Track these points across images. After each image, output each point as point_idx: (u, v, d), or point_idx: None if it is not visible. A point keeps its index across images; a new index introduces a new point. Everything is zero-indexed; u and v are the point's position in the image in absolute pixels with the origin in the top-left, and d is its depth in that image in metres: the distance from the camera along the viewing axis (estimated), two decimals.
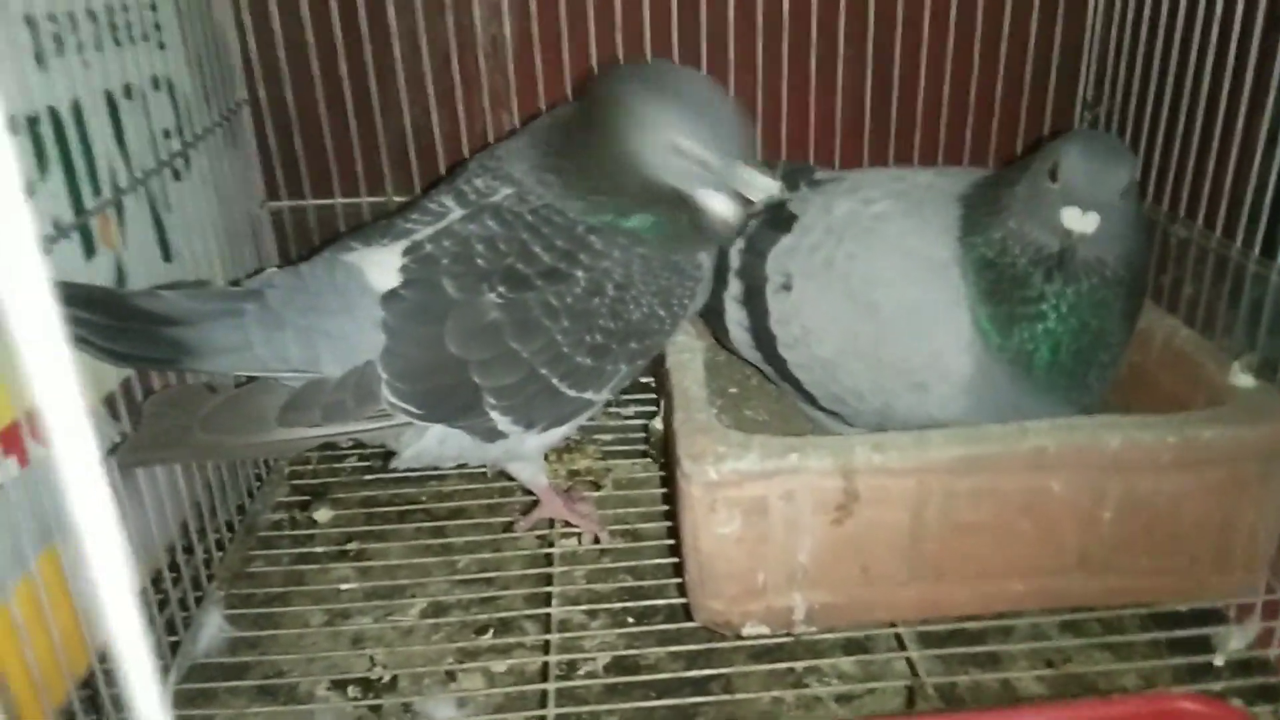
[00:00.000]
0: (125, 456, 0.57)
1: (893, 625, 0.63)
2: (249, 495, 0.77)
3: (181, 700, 0.59)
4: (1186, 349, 0.66)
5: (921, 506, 0.58)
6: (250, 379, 0.59)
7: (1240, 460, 0.57)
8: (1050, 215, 0.56)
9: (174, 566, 0.63)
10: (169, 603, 0.61)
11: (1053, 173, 0.56)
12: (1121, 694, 0.50)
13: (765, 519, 0.58)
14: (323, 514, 0.77)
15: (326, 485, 0.81)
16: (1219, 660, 0.58)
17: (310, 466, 0.84)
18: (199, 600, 0.64)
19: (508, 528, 0.76)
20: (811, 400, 0.71)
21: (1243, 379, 0.60)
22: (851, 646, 0.65)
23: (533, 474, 0.71)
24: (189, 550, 0.66)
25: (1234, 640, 0.59)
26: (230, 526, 0.73)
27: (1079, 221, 0.55)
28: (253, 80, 0.83)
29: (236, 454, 0.70)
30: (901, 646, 0.62)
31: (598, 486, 0.81)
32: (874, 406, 0.66)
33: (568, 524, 0.74)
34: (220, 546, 0.70)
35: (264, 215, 0.87)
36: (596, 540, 0.74)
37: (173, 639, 0.61)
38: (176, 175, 0.70)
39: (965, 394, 0.62)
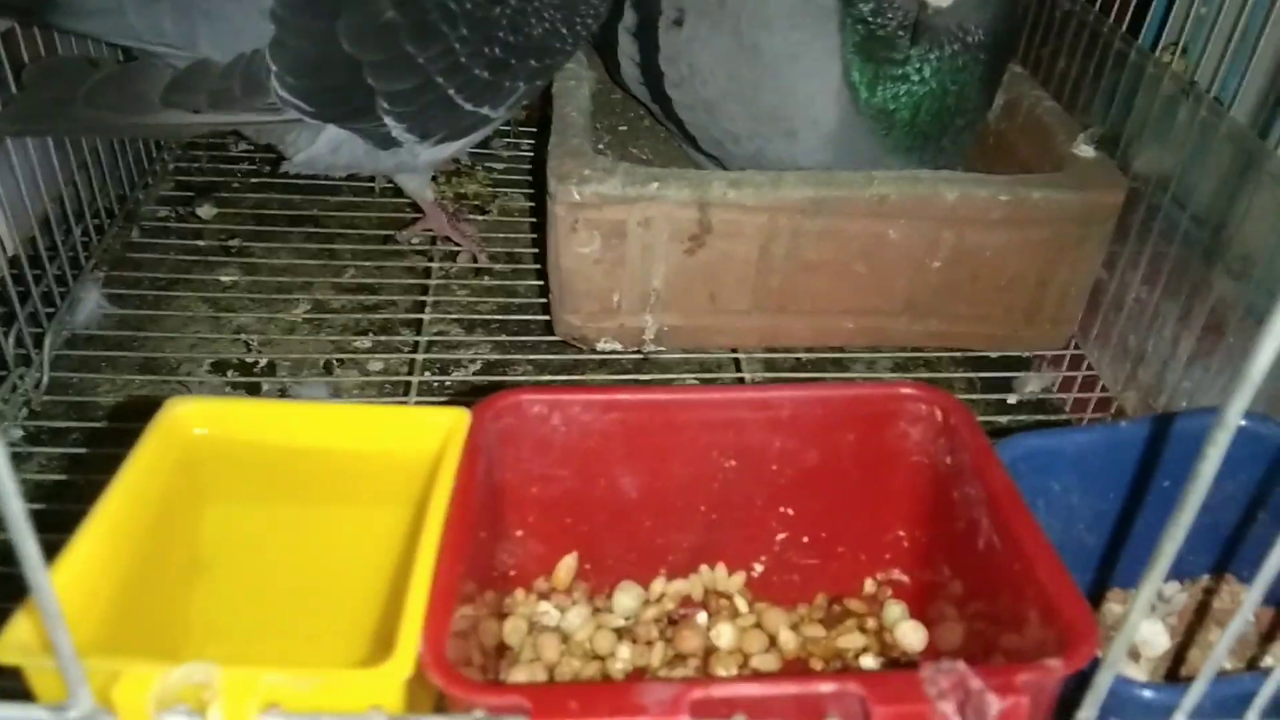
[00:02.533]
0: (3, 125, 0.57)
1: (734, 351, 0.69)
2: (130, 187, 0.78)
3: (61, 364, 0.63)
4: (1045, 119, 0.69)
5: (769, 242, 0.62)
6: (132, 56, 0.59)
7: (1062, 222, 0.62)
8: None
9: (50, 246, 0.65)
10: (45, 276, 0.63)
11: None
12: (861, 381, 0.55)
13: (623, 243, 0.61)
14: (207, 210, 0.79)
15: (213, 184, 0.82)
16: (1013, 399, 0.65)
17: (198, 165, 0.84)
18: (76, 277, 0.67)
19: (389, 240, 0.79)
20: (693, 142, 0.74)
21: (1085, 150, 0.64)
22: (696, 366, 0.71)
23: (419, 186, 0.73)
24: (67, 230, 0.67)
25: (1031, 384, 0.66)
26: (110, 213, 0.74)
27: None
28: None
29: (118, 131, 0.70)
30: (739, 369, 0.68)
31: (483, 211, 0.83)
32: (748, 152, 0.69)
33: (449, 241, 0.77)
34: (100, 231, 0.72)
35: None
36: (475, 260, 0.77)
37: (49, 310, 0.64)
38: None
39: (830, 144, 0.65)
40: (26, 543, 0.22)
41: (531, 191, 0.85)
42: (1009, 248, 0.62)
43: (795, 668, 0.38)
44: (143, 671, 0.24)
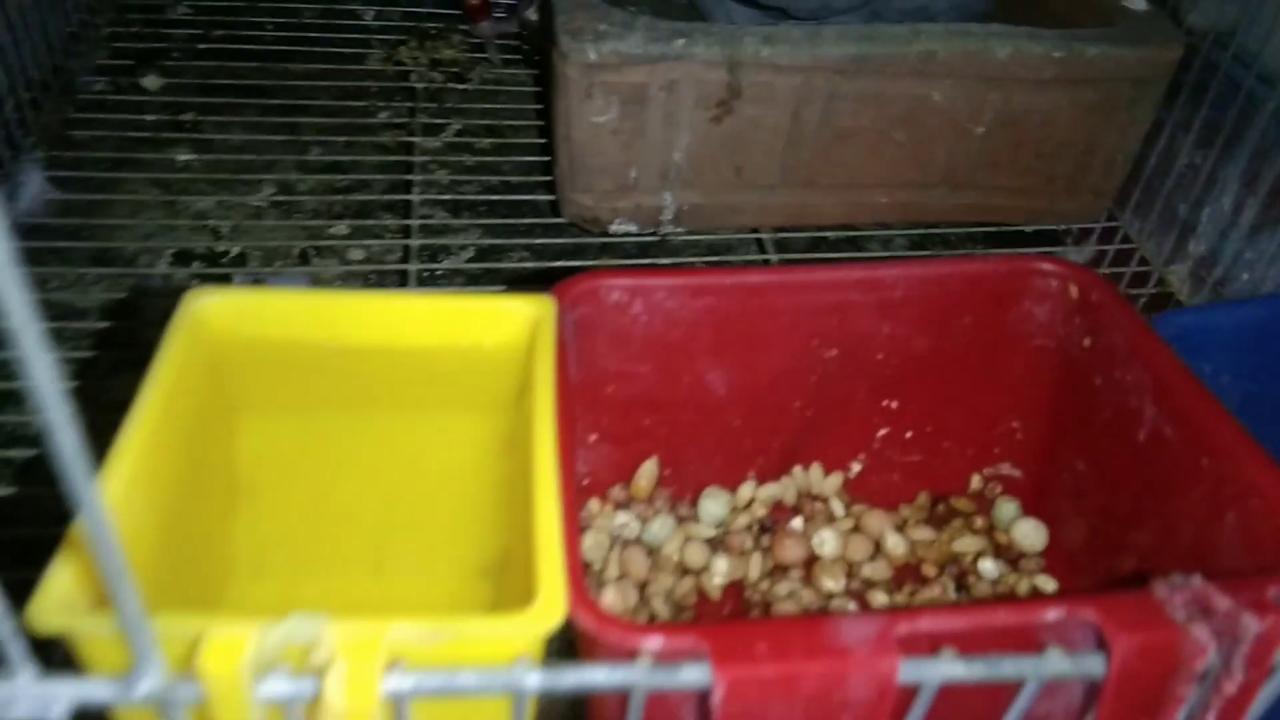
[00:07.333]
0: None
1: (755, 232, 0.64)
2: (63, 55, 0.68)
3: None
4: None
5: (802, 107, 0.56)
6: None
7: (1116, 81, 0.57)
8: None
9: None
10: None
11: None
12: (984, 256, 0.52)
13: (644, 109, 0.55)
14: (152, 81, 0.69)
15: (154, 51, 0.73)
16: None
17: (134, 29, 0.74)
18: (14, 158, 0.58)
19: (354, 115, 0.71)
20: None
21: (1135, 2, 0.59)
22: (705, 249, 0.65)
23: None
24: None
25: (1070, 259, 0.62)
26: (45, 86, 0.64)
27: None
28: None
29: None
30: (762, 250, 0.63)
31: (463, 80, 0.75)
32: None
33: (429, 127, 0.70)
34: (36, 106, 0.62)
35: None
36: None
37: None
38: None
39: None
40: (78, 472, 0.16)
41: (515, 59, 0.77)
42: (1058, 111, 0.58)
43: (907, 574, 0.35)
44: (232, 631, 0.19)
